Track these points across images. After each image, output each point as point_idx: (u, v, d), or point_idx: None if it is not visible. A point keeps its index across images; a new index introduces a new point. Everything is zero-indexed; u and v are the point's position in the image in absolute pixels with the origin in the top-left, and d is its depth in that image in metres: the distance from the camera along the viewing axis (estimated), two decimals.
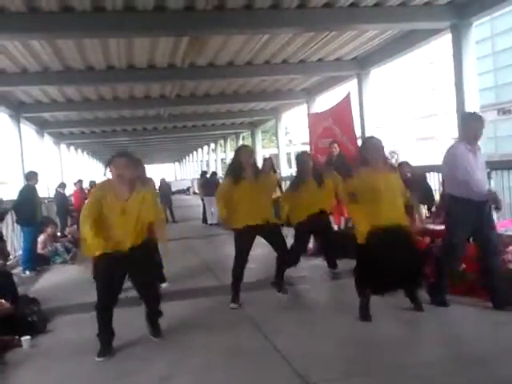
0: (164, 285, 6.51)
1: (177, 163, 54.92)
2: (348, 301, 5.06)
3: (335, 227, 8.87)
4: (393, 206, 4.61)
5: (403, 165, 7.28)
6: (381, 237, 4.50)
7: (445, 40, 8.74)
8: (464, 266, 5.23)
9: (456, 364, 3.64)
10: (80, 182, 16.16)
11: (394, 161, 11.91)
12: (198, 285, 6.79)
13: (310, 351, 4.11)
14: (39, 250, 9.36)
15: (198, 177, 18.69)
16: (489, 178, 7.09)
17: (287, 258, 5.89)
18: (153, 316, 4.66)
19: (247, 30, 7.68)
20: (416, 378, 3.48)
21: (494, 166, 7.49)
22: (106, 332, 4.36)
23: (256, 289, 6.15)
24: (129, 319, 4.92)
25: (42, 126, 15.78)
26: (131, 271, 4.46)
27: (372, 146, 4.77)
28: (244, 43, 8.85)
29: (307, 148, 11.67)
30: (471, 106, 7.54)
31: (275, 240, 5.65)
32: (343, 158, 8.66)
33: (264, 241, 5.67)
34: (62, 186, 14.15)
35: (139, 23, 6.89)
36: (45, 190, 14.46)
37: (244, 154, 5.58)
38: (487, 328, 4.33)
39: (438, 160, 5.74)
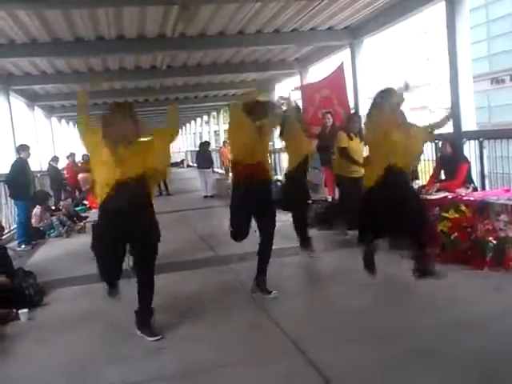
0: None
1: None
2: (343, 271, 5.13)
3: (329, 198, 8.92)
4: (403, 156, 4.58)
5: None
6: (387, 180, 4.49)
7: (439, 9, 8.62)
8: (456, 234, 5.28)
9: (445, 330, 3.71)
10: (72, 155, 16.09)
11: None
12: (191, 257, 6.82)
13: (303, 319, 4.19)
14: (34, 223, 9.36)
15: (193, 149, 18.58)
16: (481, 147, 7.13)
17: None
18: (143, 316, 4.17)
19: None
20: (404, 343, 3.54)
21: (487, 135, 7.49)
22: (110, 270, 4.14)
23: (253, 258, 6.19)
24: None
25: (32, 99, 15.56)
26: (134, 235, 4.02)
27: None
28: (235, 12, 8.69)
29: None
30: (464, 76, 7.49)
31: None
32: (337, 129, 8.62)
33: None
34: (55, 159, 14.07)
35: None
36: (37, 163, 14.37)
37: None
38: (478, 294, 4.40)
39: None
